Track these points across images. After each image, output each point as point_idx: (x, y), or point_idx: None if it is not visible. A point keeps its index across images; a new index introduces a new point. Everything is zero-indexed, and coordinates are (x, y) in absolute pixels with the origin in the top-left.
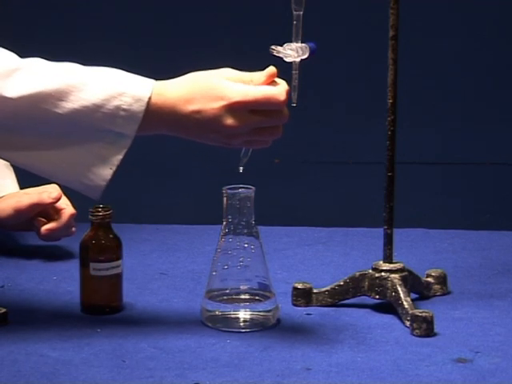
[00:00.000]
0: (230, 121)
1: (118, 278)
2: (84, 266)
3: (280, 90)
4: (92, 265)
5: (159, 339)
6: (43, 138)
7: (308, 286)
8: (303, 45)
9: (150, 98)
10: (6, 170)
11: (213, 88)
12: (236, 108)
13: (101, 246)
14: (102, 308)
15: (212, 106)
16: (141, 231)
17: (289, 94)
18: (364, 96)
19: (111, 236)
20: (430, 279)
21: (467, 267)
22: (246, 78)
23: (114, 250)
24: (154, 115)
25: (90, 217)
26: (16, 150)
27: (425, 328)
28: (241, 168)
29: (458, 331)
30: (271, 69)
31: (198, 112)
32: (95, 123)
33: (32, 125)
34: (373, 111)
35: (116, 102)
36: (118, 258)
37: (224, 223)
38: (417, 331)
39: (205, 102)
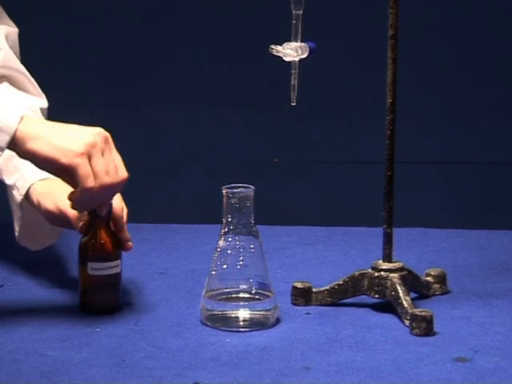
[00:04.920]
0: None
1: (117, 277)
2: (83, 265)
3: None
4: (91, 264)
5: (158, 338)
6: None
7: (307, 285)
8: (302, 44)
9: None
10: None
11: None
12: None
13: (100, 245)
14: (102, 307)
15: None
16: (140, 230)
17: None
18: (364, 96)
19: (110, 235)
20: (429, 278)
21: (467, 266)
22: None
23: (113, 250)
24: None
25: (89, 216)
26: None
27: (424, 327)
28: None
29: (457, 330)
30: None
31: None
32: None
33: None
34: (372, 111)
35: None
36: (117, 257)
37: (223, 222)
38: (416, 330)
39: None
